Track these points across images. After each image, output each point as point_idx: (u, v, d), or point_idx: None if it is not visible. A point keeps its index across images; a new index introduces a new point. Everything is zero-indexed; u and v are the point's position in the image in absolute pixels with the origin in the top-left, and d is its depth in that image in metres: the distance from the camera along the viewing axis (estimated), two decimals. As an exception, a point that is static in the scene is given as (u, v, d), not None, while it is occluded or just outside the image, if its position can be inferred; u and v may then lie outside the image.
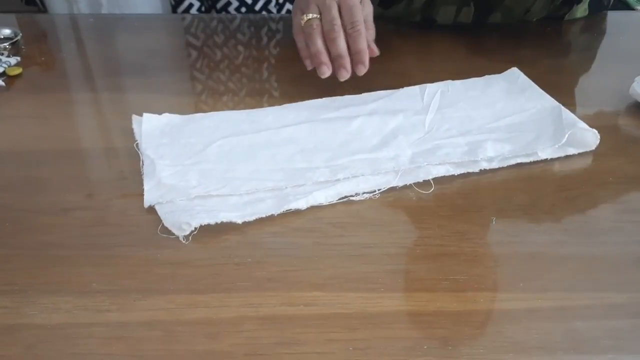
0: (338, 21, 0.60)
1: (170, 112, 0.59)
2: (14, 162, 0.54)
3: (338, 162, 0.53)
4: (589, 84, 0.68)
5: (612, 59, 0.73)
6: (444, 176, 0.52)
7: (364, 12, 0.62)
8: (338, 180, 0.50)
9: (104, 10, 0.84)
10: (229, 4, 0.84)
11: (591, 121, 0.57)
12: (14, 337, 0.38)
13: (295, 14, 0.64)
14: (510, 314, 0.40)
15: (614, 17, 0.84)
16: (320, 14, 0.61)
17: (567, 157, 0.55)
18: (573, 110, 0.58)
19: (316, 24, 0.61)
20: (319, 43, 0.60)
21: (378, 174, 0.51)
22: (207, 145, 0.55)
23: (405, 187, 0.51)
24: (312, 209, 0.48)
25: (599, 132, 0.55)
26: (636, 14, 0.90)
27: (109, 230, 0.46)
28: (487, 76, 0.66)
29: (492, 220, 0.48)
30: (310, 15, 0.61)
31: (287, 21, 0.81)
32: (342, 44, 0.60)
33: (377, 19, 0.81)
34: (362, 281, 0.42)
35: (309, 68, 0.62)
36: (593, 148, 0.56)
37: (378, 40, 0.76)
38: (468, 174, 0.52)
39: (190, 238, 0.45)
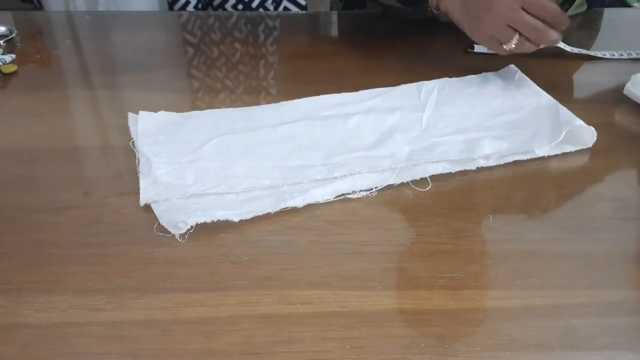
0: (539, 24, 0.59)
1: (167, 109, 0.59)
2: (9, 160, 0.54)
3: (335, 160, 0.52)
4: (585, 81, 0.68)
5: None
6: (441, 174, 0.52)
7: None
8: (335, 178, 0.50)
9: (101, 8, 0.83)
10: (225, 1, 0.84)
11: (588, 118, 0.56)
12: (8, 336, 0.38)
13: (491, 45, 0.63)
14: (507, 312, 0.40)
15: (610, 14, 0.84)
16: (517, 31, 0.60)
17: (564, 154, 0.55)
18: (570, 108, 0.58)
19: (524, 42, 0.61)
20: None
21: (375, 171, 0.51)
22: (203, 143, 0.54)
23: (402, 184, 0.51)
24: (309, 207, 0.48)
25: (596, 130, 0.55)
26: (632, 11, 0.90)
27: (104, 229, 0.46)
28: (484, 73, 0.66)
29: (489, 218, 0.48)
30: (514, 41, 0.60)
31: (284, 18, 0.81)
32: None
33: (381, 16, 0.80)
34: (358, 279, 0.42)
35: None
36: (590, 145, 0.55)
37: (376, 39, 0.76)
38: (465, 172, 0.52)
39: (186, 236, 0.45)
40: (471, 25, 0.63)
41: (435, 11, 0.66)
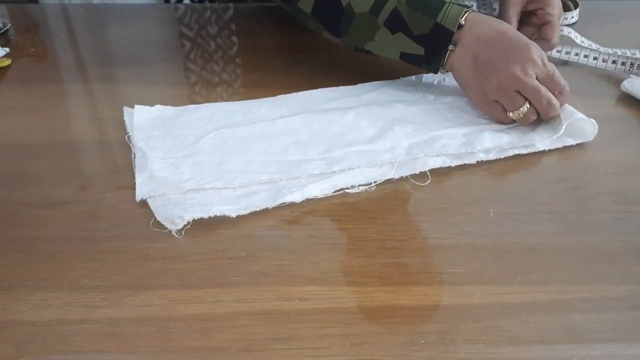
0: (554, 99, 0.54)
1: (163, 103, 0.58)
2: (4, 155, 0.53)
3: (333, 154, 0.52)
4: (585, 74, 0.67)
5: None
6: (441, 168, 0.51)
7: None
8: (333, 172, 0.50)
9: (96, 0, 0.83)
10: (222, -7, 0.83)
11: (588, 112, 0.56)
12: (3, 334, 0.37)
13: (492, 110, 0.56)
14: (509, 307, 0.39)
15: (609, 6, 0.84)
16: (527, 100, 0.54)
17: (565, 147, 0.54)
18: (570, 101, 0.58)
19: (532, 114, 0.55)
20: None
21: (374, 165, 0.51)
22: (200, 137, 0.54)
23: (401, 179, 0.50)
24: (307, 201, 0.48)
25: (596, 123, 0.54)
26: (631, 3, 0.90)
27: (100, 225, 0.45)
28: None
29: (489, 213, 0.47)
30: (523, 109, 0.54)
31: (282, 11, 0.81)
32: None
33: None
34: (357, 275, 0.42)
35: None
36: (591, 139, 0.55)
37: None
38: (465, 166, 0.52)
39: (183, 232, 0.44)
40: (476, 85, 0.56)
41: (442, 71, 0.59)
